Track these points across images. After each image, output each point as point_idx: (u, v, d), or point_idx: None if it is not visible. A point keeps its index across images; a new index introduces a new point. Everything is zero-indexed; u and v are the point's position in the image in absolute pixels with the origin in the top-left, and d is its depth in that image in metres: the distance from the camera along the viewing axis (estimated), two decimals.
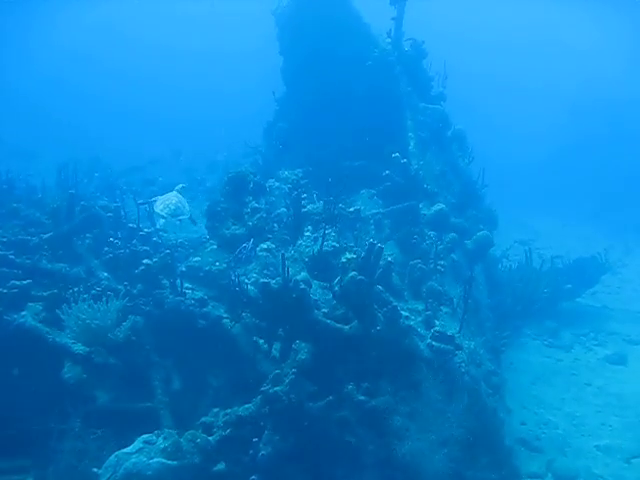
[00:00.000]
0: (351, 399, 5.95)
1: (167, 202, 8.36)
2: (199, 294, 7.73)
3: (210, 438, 5.85)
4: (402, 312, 6.47)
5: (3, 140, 24.30)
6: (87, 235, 8.68)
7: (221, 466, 5.73)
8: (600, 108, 37.21)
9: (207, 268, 8.12)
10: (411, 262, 7.85)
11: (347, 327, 6.24)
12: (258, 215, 8.17)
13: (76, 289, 7.28)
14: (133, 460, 5.42)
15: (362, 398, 5.95)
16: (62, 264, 8.00)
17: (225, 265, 7.99)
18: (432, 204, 9.65)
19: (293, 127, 13.15)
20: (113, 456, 5.50)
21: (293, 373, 5.94)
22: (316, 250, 7.45)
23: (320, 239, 7.49)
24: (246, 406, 6.05)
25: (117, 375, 6.90)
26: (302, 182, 8.88)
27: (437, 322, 6.92)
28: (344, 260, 6.34)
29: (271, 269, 7.25)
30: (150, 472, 5.39)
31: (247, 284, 6.87)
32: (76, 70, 47.09)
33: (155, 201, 8.58)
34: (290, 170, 10.47)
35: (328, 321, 6.26)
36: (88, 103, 38.48)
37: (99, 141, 26.74)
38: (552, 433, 8.67)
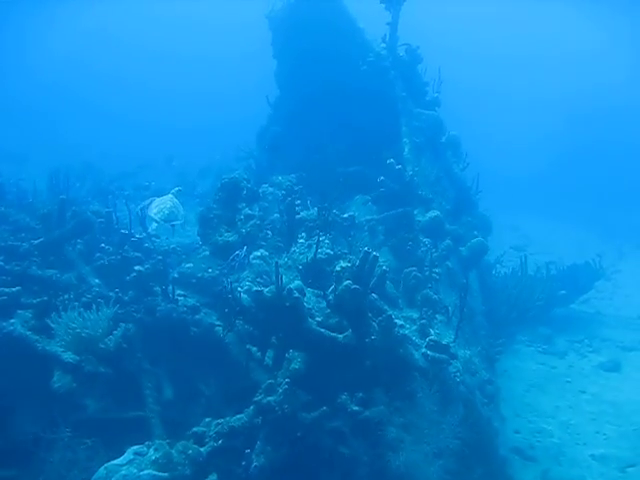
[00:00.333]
0: (345, 409, 5.88)
1: (162, 206, 8.22)
2: (191, 301, 7.65)
3: (202, 449, 5.76)
4: (397, 321, 6.40)
5: None
6: (78, 241, 8.59)
7: (213, 478, 5.62)
8: (598, 114, 37.43)
9: (200, 275, 8.05)
10: (406, 270, 7.79)
11: (341, 336, 6.16)
12: (251, 222, 8.08)
13: (66, 296, 7.18)
14: (123, 472, 5.31)
15: (356, 408, 5.87)
16: (53, 270, 7.88)
17: (218, 272, 7.91)
18: (427, 210, 9.60)
19: (286, 131, 13.09)
20: (102, 468, 5.39)
21: (286, 383, 5.85)
22: (310, 257, 7.39)
23: (314, 246, 7.42)
24: (238, 416, 5.96)
25: (108, 384, 6.79)
26: (296, 188, 8.80)
27: (432, 331, 6.86)
28: (338, 269, 6.26)
29: (264, 277, 7.17)
30: None
31: (240, 292, 6.78)
32: (69, 74, 46.95)
33: (152, 201, 8.45)
34: (284, 175, 10.41)
35: (322, 330, 6.18)
36: (81, 108, 38.30)
37: (91, 146, 26.61)
38: (546, 442, 8.61)
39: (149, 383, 7.04)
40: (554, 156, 33.49)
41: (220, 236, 8.06)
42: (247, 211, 8.28)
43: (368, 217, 9.66)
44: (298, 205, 8.65)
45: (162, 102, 41.61)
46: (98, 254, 8.30)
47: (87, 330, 6.61)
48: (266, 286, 6.46)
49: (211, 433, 5.94)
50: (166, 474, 5.45)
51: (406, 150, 10.66)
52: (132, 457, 5.53)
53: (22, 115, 32.66)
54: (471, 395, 6.62)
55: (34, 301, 7.13)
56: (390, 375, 6.17)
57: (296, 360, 6.10)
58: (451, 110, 13.37)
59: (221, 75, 49.34)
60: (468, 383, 6.73)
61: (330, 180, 10.74)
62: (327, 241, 7.69)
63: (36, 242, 8.27)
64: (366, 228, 9.32)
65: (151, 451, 5.60)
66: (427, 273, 8.09)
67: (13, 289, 7.14)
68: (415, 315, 7.23)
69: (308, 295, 6.76)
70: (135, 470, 5.39)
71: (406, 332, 6.60)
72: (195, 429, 6.09)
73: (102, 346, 6.70)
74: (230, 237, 7.98)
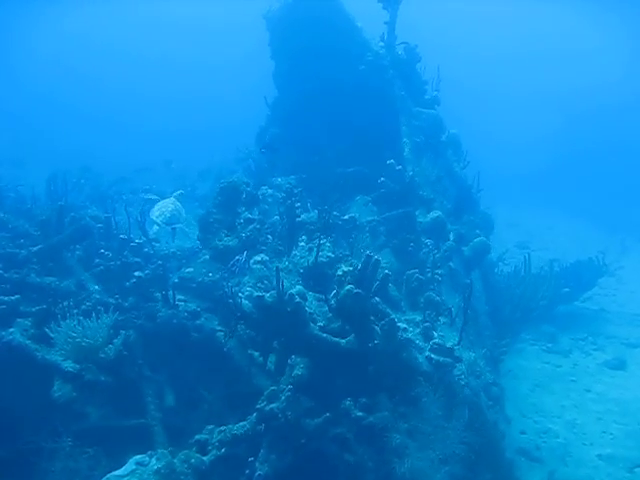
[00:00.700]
0: (349, 415, 5.82)
1: (163, 209, 8.18)
2: (192, 306, 7.59)
3: (204, 458, 5.70)
4: (400, 324, 6.33)
5: None
6: (77, 247, 8.51)
7: None
8: (596, 111, 37.39)
9: (200, 279, 7.97)
10: (408, 272, 7.70)
11: (344, 341, 6.10)
12: (251, 226, 8.00)
13: (66, 303, 7.11)
14: None
15: (360, 414, 5.81)
16: (52, 278, 7.81)
17: (219, 276, 7.84)
18: (428, 211, 9.51)
19: (284, 132, 12.98)
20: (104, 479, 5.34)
21: (289, 390, 5.78)
22: (311, 261, 7.31)
23: (315, 249, 7.34)
24: (241, 424, 5.90)
25: (109, 391, 6.72)
26: (296, 190, 8.71)
27: (435, 333, 6.78)
28: (340, 273, 6.19)
29: (265, 282, 7.09)
30: None
31: (241, 298, 6.70)
32: (62, 80, 46.69)
33: (155, 200, 8.41)
34: (283, 177, 10.34)
35: (324, 335, 6.13)
36: (77, 113, 38.12)
37: (89, 151, 26.51)
38: (552, 442, 8.54)
39: (150, 390, 6.99)
40: (554, 152, 33.48)
41: (220, 240, 7.97)
42: (247, 215, 8.20)
43: (369, 218, 9.57)
44: (298, 208, 8.57)
45: (161, 106, 41.53)
46: (97, 260, 8.21)
47: (87, 339, 6.53)
48: (267, 291, 6.40)
49: (214, 441, 5.89)
50: None
51: (406, 150, 10.56)
52: (134, 467, 5.47)
53: (13, 120, 32.39)
54: (476, 398, 6.54)
55: (33, 309, 7.08)
56: (394, 380, 6.10)
57: (298, 366, 6.03)
58: (450, 108, 13.30)
59: (220, 78, 49.24)
60: (473, 386, 6.65)
61: (330, 181, 10.67)
62: (328, 244, 7.61)
63: (35, 249, 8.19)
64: (367, 229, 9.23)
65: (153, 460, 5.54)
66: (429, 275, 8.00)
67: (12, 297, 7.09)
68: (418, 318, 7.14)
69: (310, 299, 6.70)
70: None
71: (409, 335, 6.52)
72: (198, 437, 6.03)
73: (102, 355, 6.62)
74: (230, 241, 7.90)
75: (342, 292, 6.04)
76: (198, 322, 7.40)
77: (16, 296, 7.12)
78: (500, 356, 9.47)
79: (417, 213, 9.48)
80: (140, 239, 8.95)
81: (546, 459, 8.13)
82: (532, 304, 11.60)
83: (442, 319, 7.34)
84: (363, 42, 12.05)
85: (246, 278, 7.29)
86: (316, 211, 8.58)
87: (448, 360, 6.36)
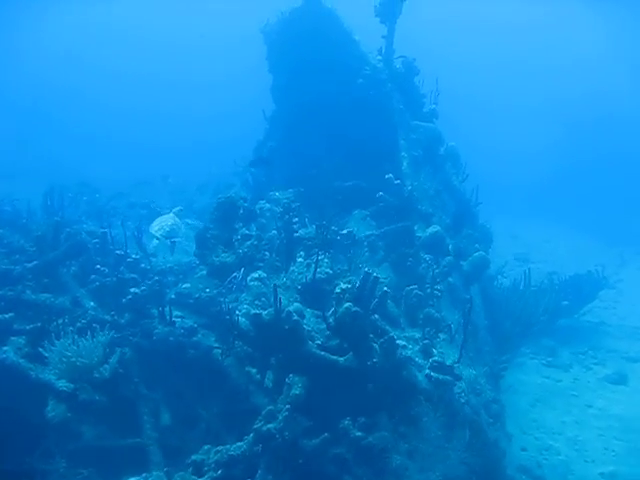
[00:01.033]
0: (347, 435, 5.73)
1: (163, 223, 8.16)
2: (189, 322, 7.49)
3: None
4: (399, 341, 6.27)
5: None
6: (73, 263, 8.44)
7: None
8: (598, 122, 37.41)
9: (197, 295, 7.88)
10: (407, 288, 7.64)
11: (342, 359, 6.02)
12: (249, 242, 7.93)
13: (61, 321, 7.02)
14: None
15: (359, 434, 5.72)
16: (47, 294, 7.74)
17: (216, 291, 7.76)
18: (427, 225, 9.45)
19: (282, 145, 12.93)
20: None
21: (287, 409, 5.70)
22: (309, 277, 7.24)
23: (313, 265, 7.27)
24: (238, 444, 5.80)
25: (104, 411, 6.62)
26: (293, 205, 8.64)
27: (435, 351, 6.70)
28: (338, 290, 6.11)
29: (263, 299, 7.02)
30: None
31: (238, 315, 6.62)
32: (55, 94, 46.51)
33: (155, 212, 8.37)
34: (281, 191, 10.27)
35: (322, 353, 6.05)
36: (72, 128, 37.90)
37: (86, 166, 26.46)
38: (554, 459, 8.44)
39: (146, 409, 6.89)
40: (553, 163, 33.47)
41: (217, 257, 7.90)
42: (244, 231, 8.14)
43: (367, 232, 9.50)
44: (296, 223, 8.50)
45: (159, 120, 41.44)
46: (93, 276, 8.14)
47: (82, 359, 6.44)
48: (264, 309, 6.32)
49: (210, 462, 5.79)
50: None
51: (404, 164, 10.52)
52: None
53: (8, 134, 32.18)
54: (476, 416, 6.45)
55: (27, 327, 7.00)
56: (393, 399, 6.01)
57: (296, 385, 5.93)
58: (449, 119, 13.27)
59: (219, 92, 49.17)
60: (473, 404, 6.57)
61: (327, 195, 10.62)
62: (326, 260, 7.55)
63: (30, 265, 8.13)
64: (366, 244, 9.16)
65: None
66: (428, 290, 7.93)
67: (6, 315, 7.02)
68: (417, 335, 7.07)
69: (308, 316, 6.63)
70: None
71: (409, 353, 6.44)
72: (194, 457, 5.94)
73: (97, 375, 6.52)
74: (227, 258, 7.83)
75: (340, 310, 5.96)
76: (195, 339, 7.30)
77: (10, 314, 7.05)
78: (500, 372, 9.35)
79: (416, 228, 9.42)
80: (137, 254, 8.89)
81: (548, 477, 8.02)
82: (533, 319, 11.49)
83: (442, 336, 7.26)
84: (361, 56, 12.04)
85: (243, 295, 7.22)
86: (314, 226, 8.52)
87: (448, 378, 6.28)
